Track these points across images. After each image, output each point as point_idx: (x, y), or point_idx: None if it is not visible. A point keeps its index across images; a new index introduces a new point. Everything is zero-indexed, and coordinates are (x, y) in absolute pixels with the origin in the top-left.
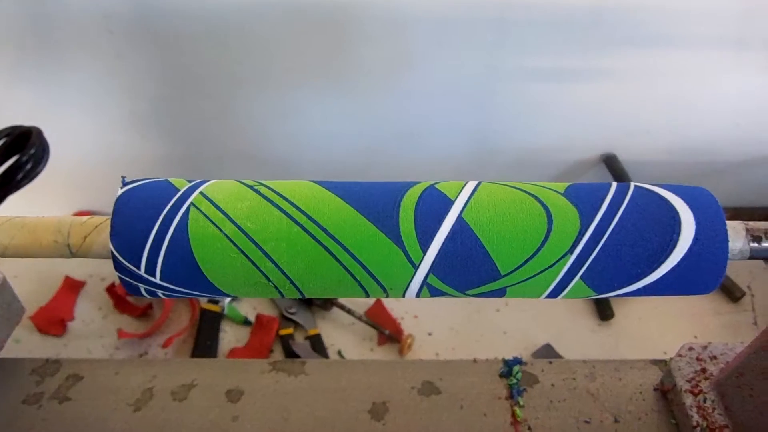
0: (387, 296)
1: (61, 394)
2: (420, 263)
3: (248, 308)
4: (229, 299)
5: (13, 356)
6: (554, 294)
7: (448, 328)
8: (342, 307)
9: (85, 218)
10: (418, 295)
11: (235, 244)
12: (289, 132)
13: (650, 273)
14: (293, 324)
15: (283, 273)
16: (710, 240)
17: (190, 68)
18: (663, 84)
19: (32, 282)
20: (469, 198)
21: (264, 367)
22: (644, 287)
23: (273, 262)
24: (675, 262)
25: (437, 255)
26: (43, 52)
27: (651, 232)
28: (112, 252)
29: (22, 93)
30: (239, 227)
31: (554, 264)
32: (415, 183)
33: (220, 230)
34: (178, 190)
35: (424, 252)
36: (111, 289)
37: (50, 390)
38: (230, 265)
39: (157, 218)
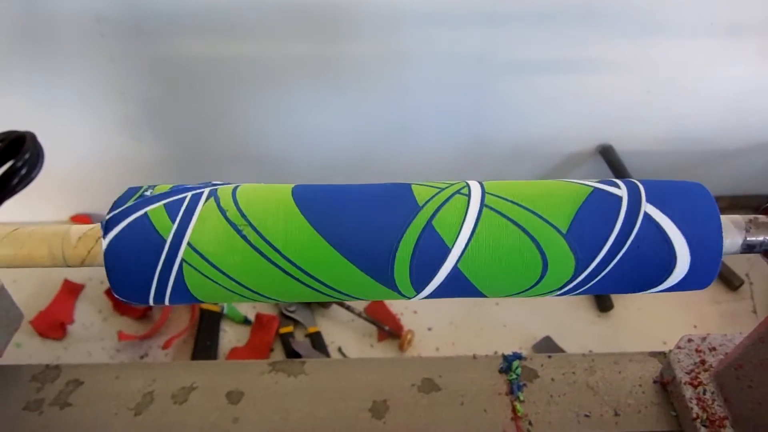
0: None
1: (62, 400)
2: (414, 297)
3: (248, 308)
4: None
5: (13, 361)
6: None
7: (448, 323)
8: (341, 305)
9: (80, 231)
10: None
11: (233, 292)
12: (283, 131)
13: (640, 292)
14: (293, 322)
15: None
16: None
17: (183, 70)
18: (657, 74)
19: (32, 286)
20: (467, 244)
21: (263, 368)
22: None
23: (272, 299)
24: (666, 287)
25: (431, 294)
26: (36, 57)
27: (644, 276)
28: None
29: (16, 98)
30: (234, 280)
31: (544, 293)
32: (413, 210)
33: (217, 283)
34: (165, 241)
35: (418, 293)
36: (110, 292)
37: (51, 396)
38: (233, 299)
39: (153, 279)
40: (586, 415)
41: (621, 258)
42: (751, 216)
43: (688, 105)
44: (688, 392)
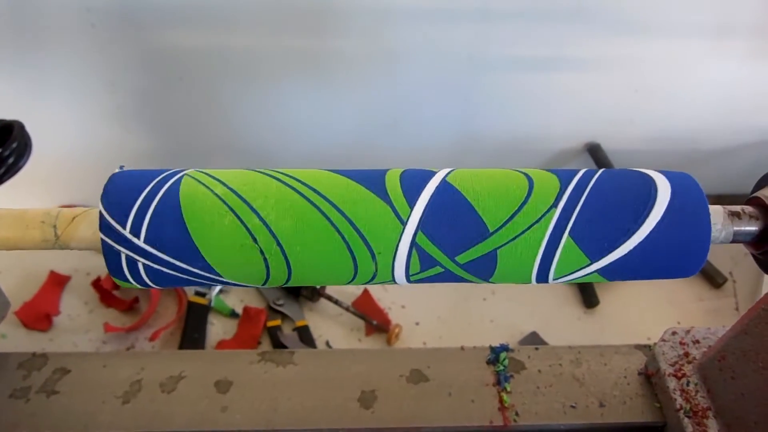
0: (375, 270)
1: (49, 388)
2: (408, 219)
3: (235, 300)
4: (216, 291)
5: None
6: (546, 263)
7: (436, 318)
8: (329, 298)
9: (71, 210)
10: (408, 267)
11: (224, 201)
12: (273, 124)
13: (636, 229)
14: (281, 316)
15: (271, 232)
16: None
17: (174, 61)
18: (646, 73)
19: (17, 277)
20: (450, 171)
21: (252, 358)
22: (633, 253)
23: (261, 218)
24: (658, 217)
25: (424, 210)
26: (26, 45)
27: (628, 189)
28: (99, 212)
29: (3, 86)
30: (230, 188)
31: (540, 218)
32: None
33: (211, 190)
34: (172, 169)
35: (411, 207)
36: (97, 284)
37: (38, 384)
38: (218, 222)
39: (150, 183)
40: (572, 406)
41: (600, 176)
42: (737, 207)
43: (676, 104)
44: (672, 384)
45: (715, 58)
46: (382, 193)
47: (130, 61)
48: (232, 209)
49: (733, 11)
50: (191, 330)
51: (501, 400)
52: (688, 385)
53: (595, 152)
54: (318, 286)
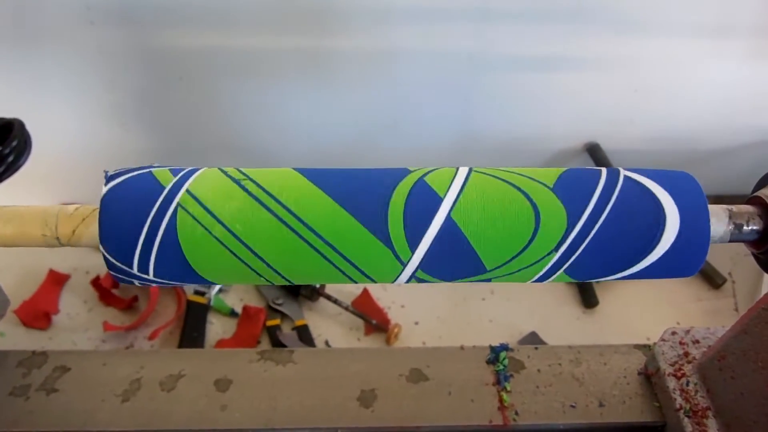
0: (373, 281)
1: (49, 386)
2: (408, 261)
3: (235, 299)
4: (215, 290)
5: None
6: (538, 281)
7: (435, 317)
8: (329, 298)
9: (72, 208)
10: (406, 282)
11: (225, 246)
12: (272, 123)
13: (633, 266)
14: (280, 315)
15: (274, 270)
16: (693, 226)
17: (173, 60)
18: (645, 73)
19: (16, 275)
20: (459, 194)
21: (252, 357)
22: (628, 275)
23: (263, 260)
24: (658, 256)
25: (425, 254)
26: (25, 43)
27: (636, 230)
28: (103, 254)
29: (3, 85)
30: (228, 229)
31: (539, 260)
32: (405, 173)
33: (210, 233)
34: (164, 188)
35: (413, 252)
36: (96, 282)
37: (37, 382)
38: (221, 264)
39: (146, 221)
40: (572, 406)
41: (610, 210)
42: (738, 206)
43: (676, 104)
44: (672, 383)
45: (715, 58)
46: (384, 237)
47: (129, 60)
48: (234, 253)
49: (733, 11)
50: (190, 329)
51: (501, 400)
52: (687, 384)
53: (595, 152)
54: (317, 285)
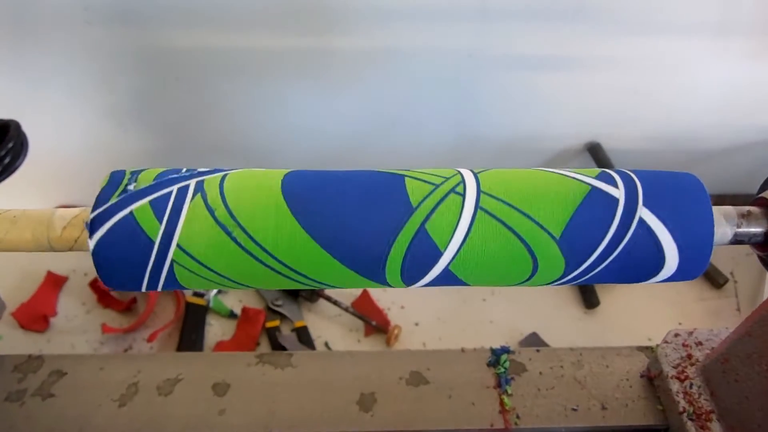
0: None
1: (45, 391)
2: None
3: (234, 301)
4: (214, 291)
5: None
6: None
7: (435, 318)
8: (328, 299)
9: (67, 216)
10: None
11: (225, 285)
12: (272, 123)
13: (634, 283)
14: (279, 316)
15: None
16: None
17: (171, 60)
18: (646, 72)
19: (14, 277)
20: (460, 248)
21: (250, 360)
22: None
23: (262, 287)
24: (658, 280)
25: (422, 286)
26: (22, 43)
27: (631, 276)
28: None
29: (0, 85)
30: (225, 277)
31: (529, 285)
32: (404, 219)
33: (208, 279)
34: (153, 243)
35: (407, 287)
36: (94, 284)
37: (33, 387)
38: (226, 288)
39: (144, 274)
40: (574, 409)
41: (610, 261)
42: (743, 208)
43: (676, 104)
44: (675, 386)
45: (715, 57)
46: (380, 282)
47: (127, 60)
48: (235, 287)
49: (734, 10)
50: (189, 331)
51: (502, 403)
52: (691, 387)
53: (596, 152)
54: None
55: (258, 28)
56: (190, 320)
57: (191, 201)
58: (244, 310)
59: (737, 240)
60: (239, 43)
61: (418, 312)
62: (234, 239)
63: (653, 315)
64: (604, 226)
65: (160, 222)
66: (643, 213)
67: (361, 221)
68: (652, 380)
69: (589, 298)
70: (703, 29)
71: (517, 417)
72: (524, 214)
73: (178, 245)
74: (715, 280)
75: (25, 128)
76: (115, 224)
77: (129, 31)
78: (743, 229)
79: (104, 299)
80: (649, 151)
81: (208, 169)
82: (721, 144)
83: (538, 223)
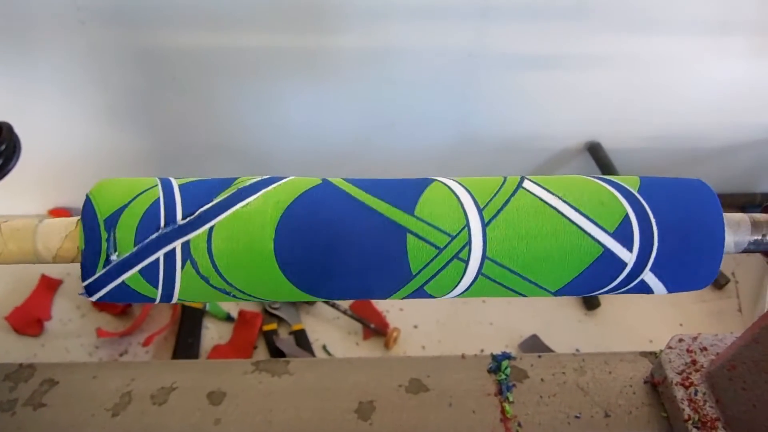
0: None
1: (36, 401)
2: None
3: (231, 304)
4: None
5: None
6: None
7: (434, 321)
8: (326, 302)
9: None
10: None
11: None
12: (268, 123)
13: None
14: (277, 319)
15: None
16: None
17: (166, 60)
18: (646, 72)
19: (7, 281)
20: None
21: (246, 368)
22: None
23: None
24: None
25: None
26: (14, 44)
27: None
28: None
29: None
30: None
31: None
32: (402, 285)
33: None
34: (155, 299)
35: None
36: None
37: (24, 396)
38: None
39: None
40: (577, 417)
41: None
42: (754, 215)
43: (677, 103)
44: (680, 393)
45: (716, 56)
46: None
47: (121, 60)
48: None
49: (735, 9)
50: (186, 335)
51: (503, 411)
52: (696, 394)
53: (596, 152)
54: None
55: (255, 28)
56: (187, 324)
57: (182, 270)
58: (241, 313)
59: (749, 249)
60: (236, 43)
61: (417, 314)
62: (234, 297)
63: (654, 316)
64: (602, 284)
65: (156, 287)
66: (647, 276)
67: (361, 290)
68: (656, 387)
69: (589, 300)
70: (703, 29)
71: (519, 425)
72: (527, 279)
73: (179, 299)
74: (717, 281)
75: (18, 130)
76: (112, 290)
77: (123, 31)
78: (754, 237)
79: (99, 303)
80: (649, 150)
81: (189, 216)
82: (721, 143)
83: (537, 285)
